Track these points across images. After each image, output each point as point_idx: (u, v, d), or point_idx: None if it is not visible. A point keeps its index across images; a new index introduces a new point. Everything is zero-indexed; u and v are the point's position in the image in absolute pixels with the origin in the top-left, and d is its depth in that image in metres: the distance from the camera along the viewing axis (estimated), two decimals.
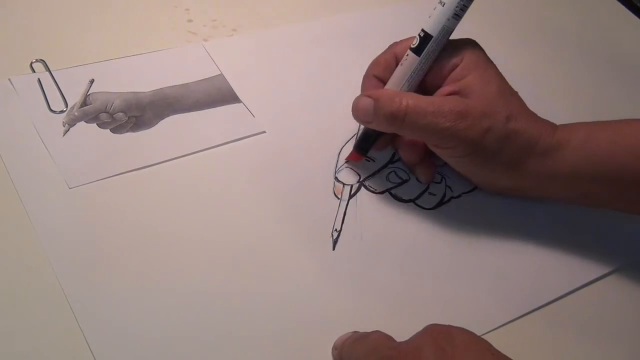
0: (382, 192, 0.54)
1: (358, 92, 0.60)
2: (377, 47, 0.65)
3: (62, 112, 0.54)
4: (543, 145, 0.48)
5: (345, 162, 0.55)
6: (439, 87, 0.50)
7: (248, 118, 0.56)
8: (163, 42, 0.61)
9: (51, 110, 0.54)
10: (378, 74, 0.52)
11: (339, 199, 0.53)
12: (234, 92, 0.58)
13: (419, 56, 0.49)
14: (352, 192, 0.53)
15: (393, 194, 0.54)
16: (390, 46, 0.53)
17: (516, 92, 0.50)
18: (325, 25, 0.66)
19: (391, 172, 0.55)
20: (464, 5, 0.48)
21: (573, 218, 0.54)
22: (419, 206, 0.53)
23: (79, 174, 0.50)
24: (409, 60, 0.50)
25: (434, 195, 0.54)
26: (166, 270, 0.46)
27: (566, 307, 0.49)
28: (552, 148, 0.48)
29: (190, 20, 0.64)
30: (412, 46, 0.49)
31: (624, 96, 0.66)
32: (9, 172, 0.49)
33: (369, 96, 0.50)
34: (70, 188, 0.49)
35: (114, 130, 0.53)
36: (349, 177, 0.54)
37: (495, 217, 0.54)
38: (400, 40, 0.52)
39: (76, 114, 0.54)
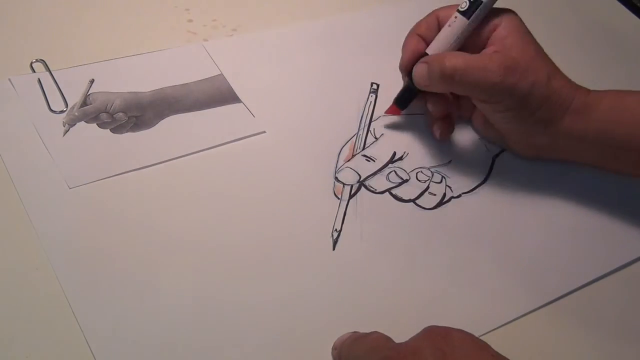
0: (382, 192, 0.54)
1: (358, 92, 0.61)
2: (377, 47, 0.65)
3: (62, 112, 0.54)
4: (577, 104, 0.51)
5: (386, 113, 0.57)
6: (480, 48, 0.53)
7: (248, 118, 0.56)
8: (163, 42, 0.61)
9: (51, 110, 0.54)
10: (421, 33, 0.55)
11: (339, 199, 0.53)
12: (234, 92, 0.58)
13: (468, 19, 0.52)
14: (352, 192, 0.53)
15: (393, 194, 0.54)
16: (433, 11, 0.56)
17: (548, 56, 0.52)
18: (325, 25, 0.66)
19: (391, 172, 0.55)
20: None
21: (572, 218, 0.54)
22: (419, 206, 0.53)
23: (79, 174, 0.50)
24: (458, 23, 0.52)
25: (434, 195, 0.54)
26: (166, 270, 0.46)
27: (566, 307, 0.49)
28: (585, 107, 0.51)
29: (190, 20, 0.64)
30: (461, 9, 0.52)
31: None
32: (9, 172, 0.49)
33: (423, 62, 0.53)
34: (70, 188, 0.49)
35: (114, 130, 0.53)
36: (349, 177, 0.54)
37: (495, 217, 0.54)
38: (443, 7, 0.55)
39: (76, 114, 0.54)
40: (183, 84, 0.58)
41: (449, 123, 0.57)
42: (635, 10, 0.76)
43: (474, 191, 0.55)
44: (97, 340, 0.42)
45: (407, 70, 0.55)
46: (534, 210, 0.54)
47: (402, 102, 0.57)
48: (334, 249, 0.49)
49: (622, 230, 0.54)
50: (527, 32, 0.52)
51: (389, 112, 0.57)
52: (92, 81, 0.56)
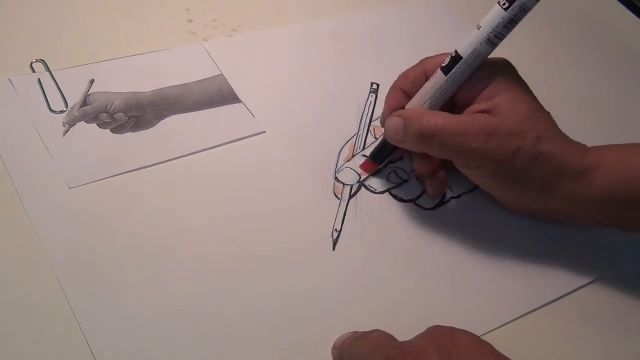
0: (382, 192, 0.54)
1: (358, 92, 0.61)
2: (377, 47, 0.65)
3: (62, 112, 0.54)
4: (574, 169, 0.47)
5: (361, 173, 0.54)
6: (468, 105, 0.49)
7: (248, 118, 0.56)
8: (163, 42, 0.61)
9: (51, 110, 0.54)
10: (405, 87, 0.52)
11: (339, 199, 0.53)
12: (234, 92, 0.58)
13: (446, 75, 0.49)
14: (352, 192, 0.53)
15: (393, 194, 0.54)
16: (422, 61, 0.52)
17: (548, 113, 0.49)
18: (325, 25, 0.66)
19: (391, 172, 0.55)
20: (499, 32, 0.47)
21: None
22: (419, 206, 0.53)
23: (79, 174, 0.50)
24: (436, 78, 0.49)
25: None
26: (166, 270, 0.46)
27: (566, 307, 0.49)
28: (583, 171, 0.47)
29: (190, 20, 0.64)
30: (443, 64, 0.49)
31: (624, 96, 0.66)
32: (9, 172, 0.49)
33: (399, 115, 0.50)
34: (70, 188, 0.49)
35: (114, 130, 0.53)
36: (349, 177, 0.54)
37: (495, 217, 0.54)
38: (433, 56, 0.52)
39: (76, 114, 0.54)
40: (183, 84, 0.58)
41: (439, 181, 0.53)
42: (635, 10, 0.76)
43: (473, 191, 0.55)
44: (97, 340, 0.42)
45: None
46: None
47: (378, 157, 0.54)
48: (334, 249, 0.49)
49: (622, 230, 0.54)
50: (521, 88, 0.49)
51: (363, 167, 0.54)
52: (92, 81, 0.56)
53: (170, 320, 0.44)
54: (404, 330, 0.41)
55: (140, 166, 0.51)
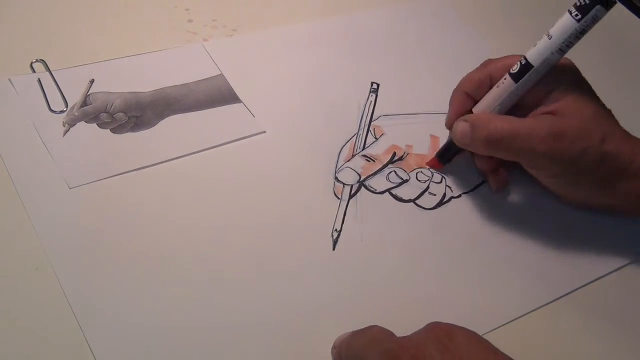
0: (382, 192, 0.54)
1: (358, 92, 0.61)
2: (377, 47, 0.65)
3: (62, 112, 0.54)
4: (636, 166, 0.48)
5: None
6: (533, 107, 0.50)
7: (248, 118, 0.56)
8: (163, 42, 0.61)
9: (51, 110, 0.54)
10: (470, 91, 0.53)
11: (339, 199, 0.53)
12: (234, 92, 0.58)
13: (517, 83, 0.50)
14: (352, 192, 0.53)
15: (393, 194, 0.54)
16: (485, 64, 0.53)
17: (610, 112, 0.50)
18: (325, 26, 0.66)
19: (391, 172, 0.55)
20: (570, 42, 0.48)
21: (573, 218, 0.54)
22: (419, 206, 0.53)
23: (79, 174, 0.50)
24: (506, 85, 0.50)
25: (434, 195, 0.54)
26: (166, 270, 0.46)
27: (566, 307, 0.49)
28: None
29: (190, 20, 0.64)
30: (512, 71, 0.50)
31: (624, 96, 0.66)
32: (9, 172, 0.49)
33: (466, 121, 0.51)
34: (70, 188, 0.49)
35: (114, 130, 0.53)
36: (349, 177, 0.54)
37: (495, 217, 0.54)
38: (496, 59, 0.53)
39: (76, 114, 0.54)
40: (183, 84, 0.58)
41: (501, 176, 0.55)
42: (636, 10, 0.76)
43: (474, 191, 0.55)
44: (97, 340, 0.42)
45: (451, 127, 0.53)
46: (534, 210, 0.54)
47: (444, 157, 0.55)
48: (334, 249, 0.49)
49: (623, 230, 0.54)
50: (586, 90, 0.50)
51: (430, 163, 0.56)
52: (92, 81, 0.56)
53: (170, 319, 0.44)
54: (404, 330, 0.41)
55: (140, 166, 0.51)
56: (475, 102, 0.53)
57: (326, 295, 0.47)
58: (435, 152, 0.56)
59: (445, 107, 0.61)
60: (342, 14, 0.68)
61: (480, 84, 0.52)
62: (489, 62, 0.53)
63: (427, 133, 0.58)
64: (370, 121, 0.58)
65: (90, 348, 0.42)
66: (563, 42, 0.48)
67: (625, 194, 0.50)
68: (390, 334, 0.41)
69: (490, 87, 0.52)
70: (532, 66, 0.49)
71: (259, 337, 0.44)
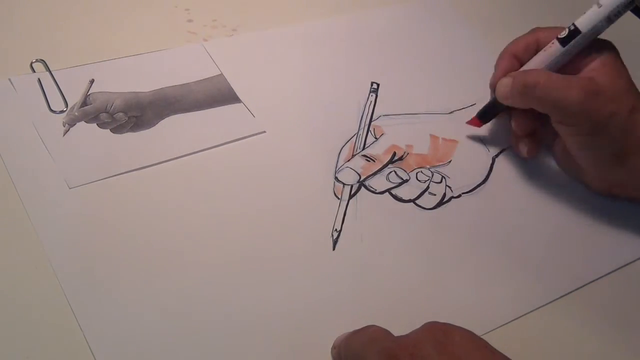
0: (382, 192, 0.54)
1: (358, 92, 0.61)
2: (377, 47, 0.65)
3: (62, 112, 0.54)
4: None
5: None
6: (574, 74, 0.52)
7: (248, 118, 0.56)
8: (163, 42, 0.61)
9: (51, 110, 0.54)
10: (517, 53, 0.55)
11: (339, 199, 0.53)
12: (234, 92, 0.58)
13: (564, 47, 0.52)
14: (352, 192, 0.53)
15: (393, 194, 0.54)
16: (534, 30, 0.55)
17: None
18: (325, 26, 0.66)
19: (391, 172, 0.55)
20: (619, 11, 0.50)
21: (573, 218, 0.54)
22: (419, 206, 0.53)
23: (79, 174, 0.50)
24: (553, 49, 0.52)
25: (434, 195, 0.54)
26: (166, 270, 0.46)
27: (565, 307, 0.49)
28: None
29: (190, 20, 0.64)
30: (560, 36, 0.52)
31: None
32: (9, 172, 0.49)
33: (509, 75, 0.53)
34: (70, 188, 0.49)
35: (114, 130, 0.53)
36: (349, 177, 0.54)
37: (495, 217, 0.54)
38: (546, 27, 0.55)
39: (76, 114, 0.54)
40: (183, 84, 0.58)
41: (535, 141, 0.56)
42: (636, 10, 0.76)
43: (474, 191, 0.55)
44: (97, 340, 0.42)
45: (495, 86, 0.55)
46: (534, 210, 0.54)
47: (485, 116, 0.57)
48: (334, 249, 0.49)
49: (623, 230, 0.54)
50: (622, 66, 0.52)
51: (471, 122, 0.58)
52: (92, 81, 0.56)
53: (170, 320, 0.44)
54: (404, 330, 0.41)
55: (140, 166, 0.51)
56: (522, 64, 0.54)
57: (326, 295, 0.47)
58: (477, 113, 0.57)
59: (445, 107, 0.61)
60: (342, 14, 0.68)
61: (527, 48, 0.54)
62: (537, 29, 0.55)
63: (427, 133, 0.58)
64: (370, 121, 0.58)
65: (90, 348, 0.42)
66: (612, 11, 0.50)
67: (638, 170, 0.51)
68: (388, 333, 0.41)
69: (537, 52, 0.53)
70: (580, 32, 0.51)
71: (258, 337, 0.44)
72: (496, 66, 0.56)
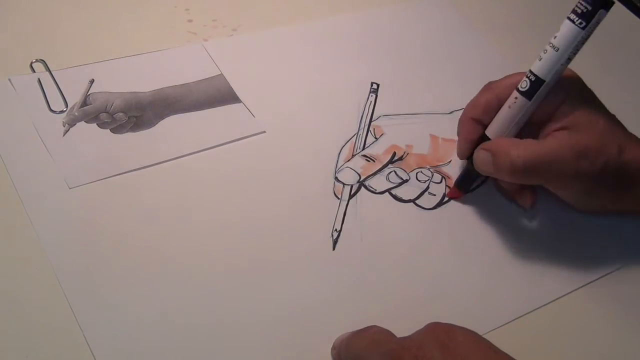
0: (382, 192, 0.54)
1: (358, 92, 0.61)
2: (377, 47, 0.65)
3: (62, 112, 0.54)
4: None
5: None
6: (543, 122, 0.50)
7: (248, 118, 0.56)
8: (163, 42, 0.61)
9: (51, 110, 0.54)
10: (477, 116, 0.52)
11: (339, 199, 0.53)
12: (234, 92, 0.58)
13: (530, 100, 0.49)
14: (352, 192, 0.53)
15: (393, 194, 0.54)
16: (487, 86, 0.52)
17: (618, 120, 0.50)
18: (325, 26, 0.66)
19: (391, 172, 0.55)
20: (576, 50, 0.48)
21: (573, 218, 0.54)
22: (419, 206, 0.53)
23: (79, 174, 0.50)
24: (519, 104, 0.49)
25: (434, 195, 0.54)
26: (166, 270, 0.46)
27: (566, 307, 0.49)
28: None
29: (190, 20, 0.64)
30: (522, 89, 0.49)
31: (623, 97, 0.66)
32: (9, 172, 0.49)
33: (486, 149, 0.50)
34: (70, 188, 0.49)
35: (114, 130, 0.53)
36: (349, 177, 0.54)
37: (495, 217, 0.54)
38: (497, 81, 0.52)
39: (76, 114, 0.54)
40: (183, 84, 0.58)
41: (531, 192, 0.53)
42: (636, 10, 0.76)
43: (474, 191, 0.55)
44: (97, 340, 0.42)
45: (465, 156, 0.53)
46: (534, 210, 0.54)
47: (464, 185, 0.54)
48: (334, 249, 0.49)
49: (623, 230, 0.54)
50: (594, 101, 0.50)
51: (451, 195, 0.54)
52: (92, 81, 0.56)
53: (170, 320, 0.44)
54: (404, 330, 0.41)
55: (140, 166, 0.51)
56: (484, 126, 0.52)
57: (326, 295, 0.47)
58: (454, 182, 0.55)
59: (445, 107, 0.61)
60: (342, 14, 0.68)
61: (487, 108, 0.51)
62: (491, 84, 0.52)
63: (427, 133, 0.58)
64: (370, 121, 0.58)
65: (90, 348, 0.42)
66: (571, 52, 0.48)
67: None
68: (390, 334, 0.41)
69: (498, 109, 0.51)
70: (544, 81, 0.48)
71: (258, 337, 0.44)
72: (458, 133, 0.53)
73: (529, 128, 0.50)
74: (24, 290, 0.44)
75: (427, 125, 0.59)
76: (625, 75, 0.68)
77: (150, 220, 0.48)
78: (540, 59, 0.48)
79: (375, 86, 0.61)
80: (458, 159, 0.56)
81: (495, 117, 0.51)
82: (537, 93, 0.49)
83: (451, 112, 0.60)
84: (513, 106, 0.50)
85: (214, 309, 0.45)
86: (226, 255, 0.48)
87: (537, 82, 0.48)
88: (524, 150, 0.48)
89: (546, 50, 0.48)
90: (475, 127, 0.52)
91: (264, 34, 0.64)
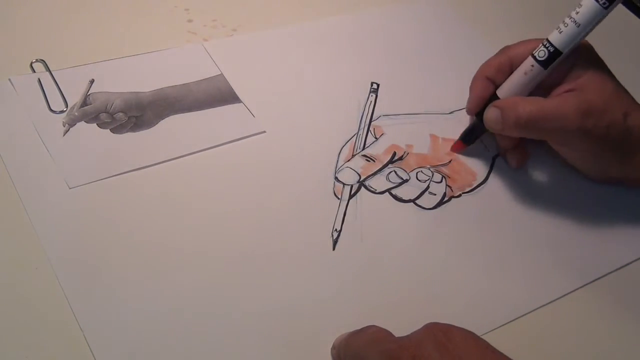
0: (382, 192, 0.54)
1: (358, 92, 0.61)
2: (377, 47, 0.65)
3: (62, 112, 0.54)
4: None
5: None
6: (554, 86, 0.52)
7: (248, 118, 0.56)
8: (163, 42, 0.61)
9: (51, 110, 0.54)
10: (490, 75, 0.54)
11: (339, 199, 0.53)
12: (234, 92, 0.58)
13: (546, 69, 0.51)
14: (352, 192, 0.53)
15: (393, 194, 0.54)
16: (504, 50, 0.55)
17: (627, 90, 0.52)
18: (325, 26, 0.66)
19: (391, 172, 0.55)
20: (594, 27, 0.50)
21: (573, 218, 0.54)
22: (419, 206, 0.53)
23: (79, 174, 0.50)
24: (534, 72, 0.51)
25: (434, 195, 0.54)
26: (166, 270, 0.46)
27: (565, 307, 0.49)
28: None
29: (190, 20, 0.64)
30: (540, 58, 0.51)
31: None
32: (9, 172, 0.49)
33: (495, 107, 0.52)
34: (70, 188, 0.49)
35: (114, 130, 0.53)
36: (349, 177, 0.54)
37: (495, 217, 0.54)
38: (514, 45, 0.54)
39: (76, 114, 0.54)
40: (183, 84, 0.58)
41: (522, 152, 0.56)
42: (636, 10, 0.76)
43: (474, 191, 0.55)
44: (97, 340, 0.42)
45: (474, 112, 0.55)
46: (534, 210, 0.54)
47: (469, 139, 0.57)
48: (334, 249, 0.49)
49: (623, 230, 0.54)
50: (604, 68, 0.52)
51: (454, 148, 0.57)
52: (92, 81, 0.56)
53: (170, 319, 0.44)
54: (404, 330, 0.41)
55: (140, 166, 0.51)
56: (496, 86, 0.54)
57: (326, 295, 0.47)
58: (459, 136, 0.57)
59: (445, 107, 0.61)
60: (343, 14, 0.68)
61: (500, 69, 0.54)
62: (507, 48, 0.54)
63: (427, 133, 0.58)
64: (370, 121, 0.58)
65: (90, 348, 0.42)
66: (591, 29, 0.49)
67: None
68: (389, 333, 0.41)
69: (511, 72, 0.53)
70: (561, 52, 0.50)
71: (258, 337, 0.44)
72: (470, 90, 0.55)
73: (540, 92, 0.52)
74: (24, 290, 0.44)
75: (427, 125, 0.59)
76: (625, 75, 0.68)
77: (151, 220, 0.48)
78: (560, 32, 0.50)
79: (375, 86, 0.61)
80: (458, 158, 0.56)
81: (508, 80, 0.53)
82: (554, 64, 0.51)
83: (451, 112, 0.60)
84: (529, 73, 0.52)
85: (214, 308, 0.45)
86: (226, 255, 0.48)
87: (555, 53, 0.50)
88: (531, 105, 0.50)
89: (567, 24, 0.50)
90: (487, 85, 0.54)
91: (264, 34, 0.64)
